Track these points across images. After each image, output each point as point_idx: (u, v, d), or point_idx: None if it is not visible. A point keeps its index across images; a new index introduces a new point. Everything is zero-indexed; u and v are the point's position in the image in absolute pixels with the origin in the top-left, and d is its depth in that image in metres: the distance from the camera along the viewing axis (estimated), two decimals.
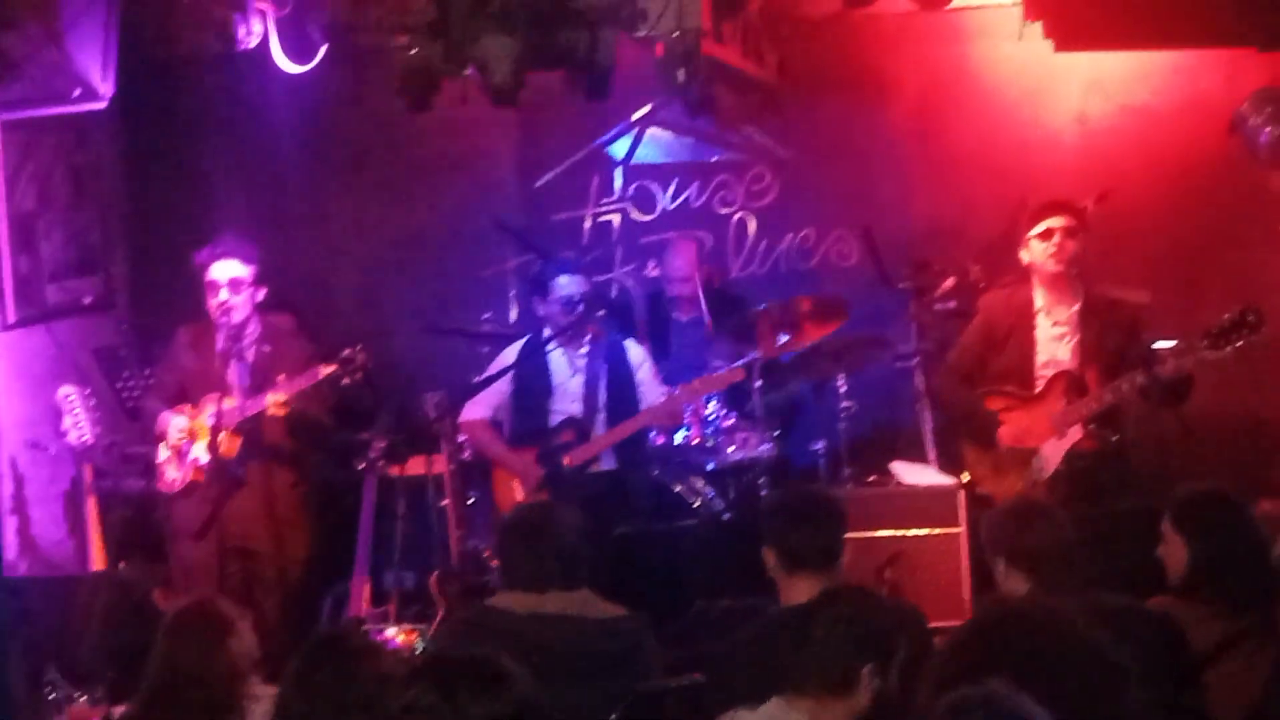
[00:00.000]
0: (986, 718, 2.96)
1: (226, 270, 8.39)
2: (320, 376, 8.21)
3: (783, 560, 5.57)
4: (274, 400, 8.20)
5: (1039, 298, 8.29)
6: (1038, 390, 8.22)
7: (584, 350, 8.92)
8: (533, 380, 8.87)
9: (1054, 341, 8.27)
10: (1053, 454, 8.08)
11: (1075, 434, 8.04)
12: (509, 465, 8.85)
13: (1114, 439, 8.11)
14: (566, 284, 8.90)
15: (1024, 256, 8.32)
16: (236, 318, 8.34)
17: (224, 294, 8.34)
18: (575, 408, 8.84)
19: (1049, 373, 8.24)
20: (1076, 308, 8.26)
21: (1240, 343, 7.63)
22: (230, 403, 8.28)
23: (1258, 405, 9.85)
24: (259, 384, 8.36)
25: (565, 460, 8.66)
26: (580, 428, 8.77)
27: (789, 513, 5.69)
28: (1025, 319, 8.29)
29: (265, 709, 5.01)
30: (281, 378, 8.25)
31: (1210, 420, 9.48)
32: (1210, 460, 9.31)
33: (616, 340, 9.02)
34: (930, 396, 9.36)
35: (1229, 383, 9.20)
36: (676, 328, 9.79)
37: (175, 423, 8.41)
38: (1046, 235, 8.18)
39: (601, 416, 8.86)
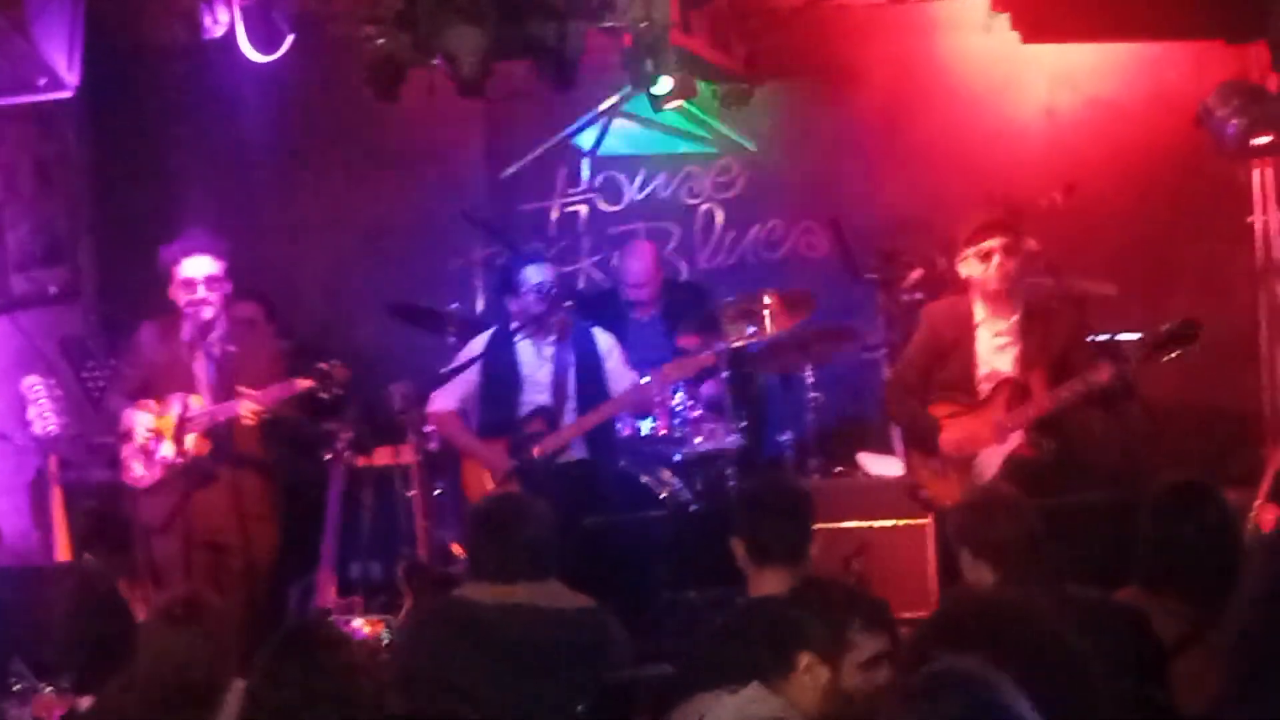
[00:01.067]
0: (965, 696, 2.96)
1: (200, 267, 8.29)
2: (296, 390, 8.16)
3: (752, 552, 5.57)
4: (248, 409, 8.14)
5: (979, 311, 8.14)
6: (982, 398, 8.16)
7: (552, 340, 8.90)
8: (501, 371, 8.85)
9: (995, 353, 8.14)
10: (991, 460, 8.00)
11: (1015, 440, 7.99)
12: (479, 456, 8.83)
13: (1051, 448, 8.03)
14: (535, 273, 8.88)
15: (962, 270, 8.20)
16: (208, 314, 8.27)
17: (200, 291, 8.25)
18: (544, 398, 8.83)
19: (992, 377, 8.16)
20: (1016, 318, 8.13)
21: (1176, 354, 7.64)
22: (197, 402, 8.22)
23: (1220, 396, 9.90)
24: (226, 383, 8.30)
25: (535, 450, 8.64)
26: (550, 417, 8.76)
27: (759, 505, 5.69)
28: (966, 331, 8.17)
29: (235, 701, 5.01)
30: (251, 392, 8.16)
31: (1174, 412, 9.53)
32: (1174, 451, 9.35)
33: (584, 329, 9.01)
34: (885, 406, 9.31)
35: (1193, 375, 9.24)
36: (635, 327, 9.77)
37: (141, 420, 8.33)
38: (985, 257, 8.05)
39: (571, 406, 8.84)
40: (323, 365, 8.10)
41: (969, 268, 8.10)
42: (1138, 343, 7.77)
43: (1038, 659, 3.31)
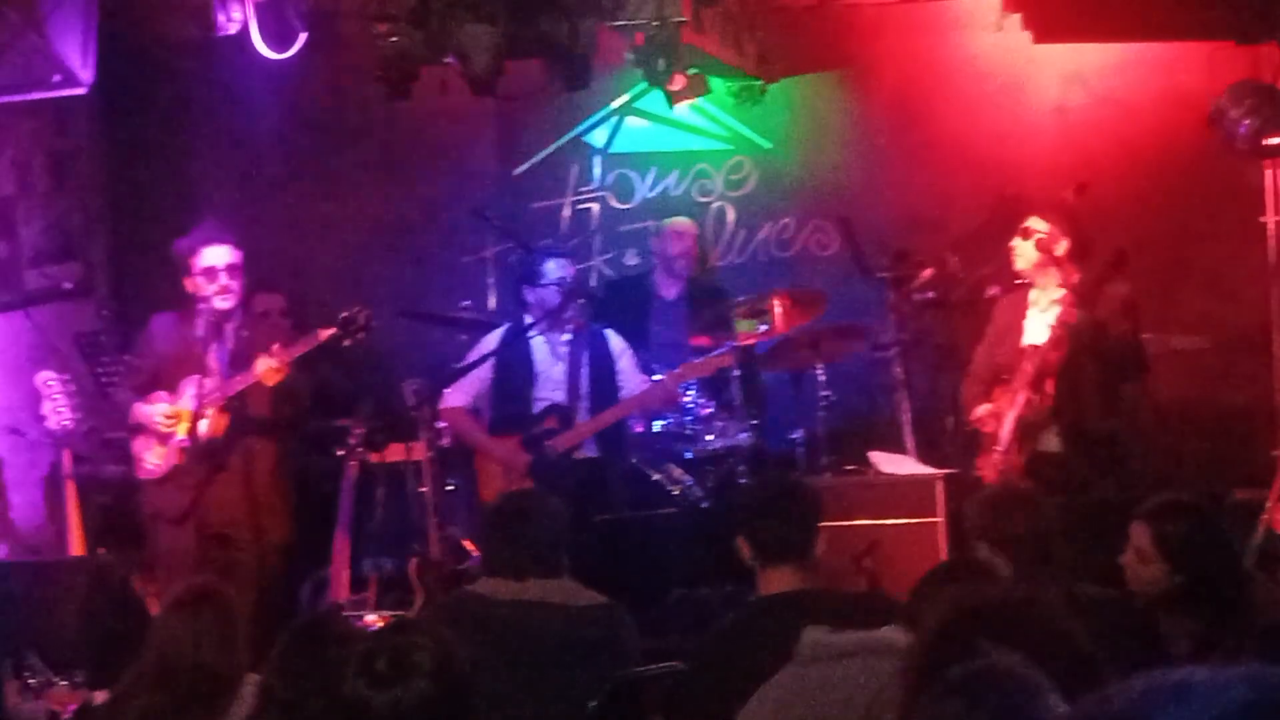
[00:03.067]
0: (1004, 694, 2.97)
1: (221, 255, 8.25)
2: (321, 339, 8.08)
3: (756, 551, 5.56)
4: (268, 366, 8.05)
5: (1032, 295, 8.28)
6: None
7: (566, 338, 8.92)
8: (515, 367, 8.86)
9: (1039, 332, 8.27)
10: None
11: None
12: (493, 453, 8.83)
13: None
14: (556, 268, 8.91)
15: (1017, 262, 8.29)
16: (230, 303, 8.25)
17: (223, 279, 8.21)
18: (558, 395, 8.84)
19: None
20: (1059, 305, 8.22)
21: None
22: (210, 382, 8.22)
23: (1229, 395, 9.90)
24: (240, 367, 8.32)
25: (552, 446, 8.65)
26: (564, 414, 8.77)
27: (761, 504, 5.65)
28: (1019, 315, 8.28)
29: (248, 695, 5.03)
30: (276, 346, 8.12)
31: (1186, 412, 9.54)
32: (1183, 450, 9.36)
33: (597, 330, 9.03)
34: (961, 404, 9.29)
35: (1205, 375, 9.25)
36: (659, 308, 9.80)
37: (158, 409, 8.33)
38: (1026, 234, 8.17)
39: (584, 404, 8.86)
40: (345, 313, 8.05)
41: (1019, 253, 8.19)
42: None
43: (1048, 657, 3.32)
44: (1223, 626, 5.42)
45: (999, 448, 8.06)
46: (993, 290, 9.13)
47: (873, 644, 4.34)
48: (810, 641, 4.48)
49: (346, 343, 8.07)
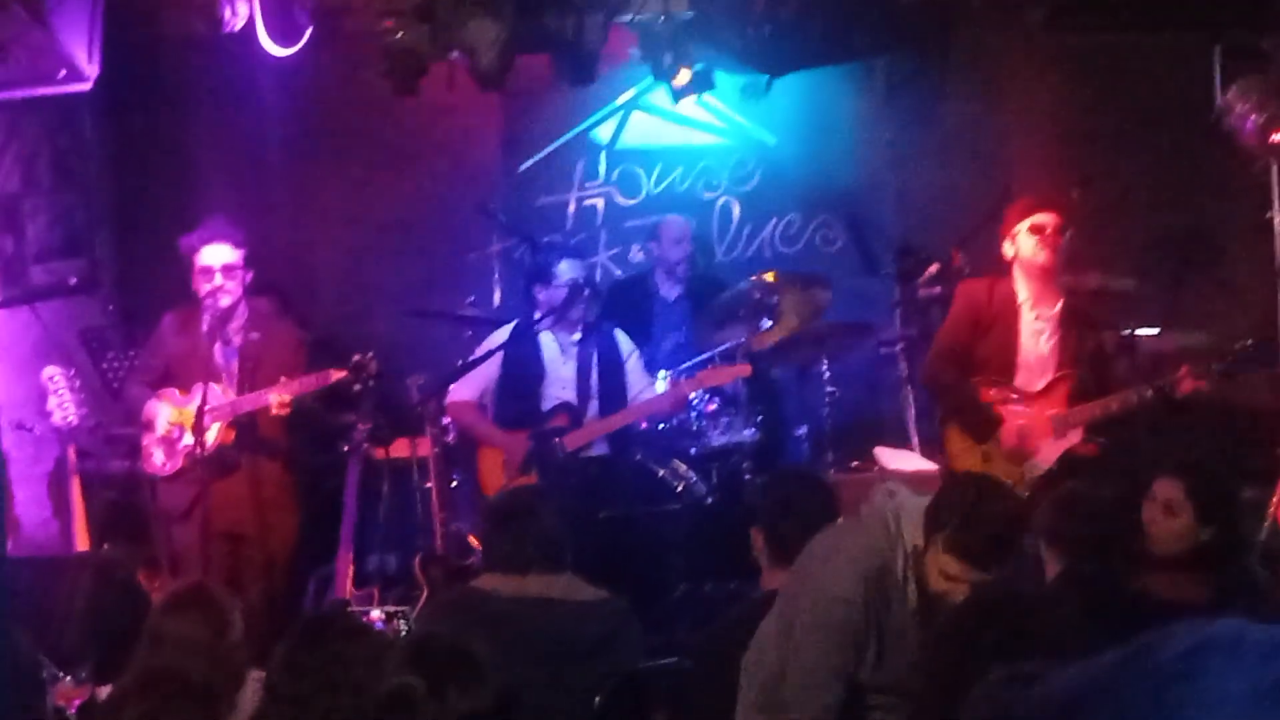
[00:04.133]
0: (1048, 697, 2.98)
1: (219, 255, 8.32)
2: (330, 381, 8.18)
3: (770, 544, 5.56)
4: (278, 400, 8.15)
5: (1022, 290, 8.29)
6: (1037, 388, 8.21)
7: (576, 337, 8.91)
8: (524, 364, 8.85)
9: (1034, 337, 8.26)
10: (1049, 455, 8.09)
11: (1074, 437, 8.07)
12: (499, 445, 8.82)
13: (1108, 447, 8.13)
14: (569, 269, 8.90)
15: (1008, 250, 8.29)
16: (227, 302, 8.29)
17: (218, 279, 8.27)
18: (567, 393, 8.83)
19: (1030, 364, 8.24)
20: (1058, 308, 8.26)
21: (1257, 374, 7.70)
22: (221, 391, 8.24)
23: (1234, 393, 9.87)
24: (248, 371, 8.34)
25: (562, 445, 8.65)
26: (574, 413, 8.77)
27: (782, 501, 5.67)
28: (1009, 310, 8.28)
29: (253, 692, 5.03)
30: (284, 381, 8.19)
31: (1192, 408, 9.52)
32: (1189, 448, 9.34)
33: (607, 329, 9.02)
34: (923, 379, 9.34)
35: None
36: (661, 307, 9.79)
37: (164, 412, 8.37)
38: (1038, 230, 8.18)
39: (594, 404, 8.86)
40: (357, 357, 8.13)
41: (1019, 244, 8.20)
42: (1219, 357, 7.84)
43: (1060, 652, 3.32)
44: (1232, 594, 5.44)
45: (1032, 473, 8.08)
46: (933, 289, 9.18)
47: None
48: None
49: (356, 388, 8.14)
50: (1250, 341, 7.76)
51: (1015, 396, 8.23)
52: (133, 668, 5.26)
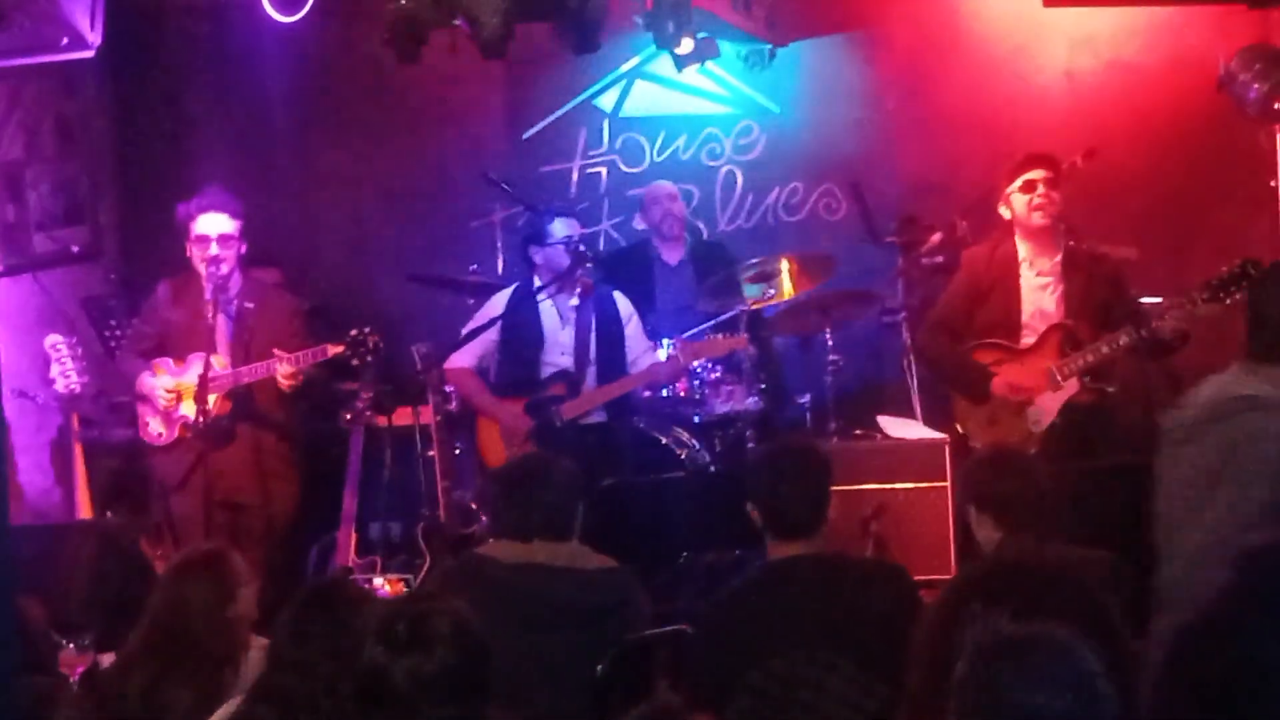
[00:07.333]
0: (1048, 660, 2.98)
1: (215, 224, 8.29)
2: (328, 355, 8.16)
3: (766, 517, 5.54)
4: (286, 372, 8.14)
5: (1022, 249, 8.28)
6: (1029, 343, 8.21)
7: (574, 303, 8.90)
8: (523, 330, 8.84)
9: (1038, 291, 8.26)
10: (1049, 406, 8.08)
11: (1072, 387, 8.05)
12: (496, 415, 8.83)
13: (1109, 390, 8.13)
14: (563, 226, 8.88)
15: (1004, 211, 8.28)
16: (223, 271, 8.27)
17: (214, 248, 8.25)
18: (565, 360, 8.82)
19: (1036, 324, 8.23)
20: (1058, 258, 8.25)
21: (1239, 295, 7.54)
22: (219, 362, 8.22)
23: None
24: (245, 340, 8.32)
25: (560, 413, 8.64)
26: (572, 382, 8.77)
27: (773, 471, 5.62)
28: (1009, 271, 8.26)
29: (256, 659, 5.04)
30: (284, 354, 8.15)
31: (1196, 376, 9.50)
32: None
33: (606, 293, 9.00)
34: (914, 353, 9.39)
35: (1213, 340, 9.22)
36: (664, 273, 9.78)
37: (161, 383, 8.35)
38: (1029, 188, 8.16)
39: (592, 370, 8.85)
40: (354, 332, 8.11)
41: (1013, 203, 8.19)
42: (1198, 288, 7.76)
43: (1075, 617, 3.32)
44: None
45: (1036, 428, 8.07)
46: (936, 258, 9.18)
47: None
48: None
49: (355, 363, 8.12)
50: (1227, 269, 7.68)
51: (1009, 353, 8.22)
52: (138, 629, 5.28)
